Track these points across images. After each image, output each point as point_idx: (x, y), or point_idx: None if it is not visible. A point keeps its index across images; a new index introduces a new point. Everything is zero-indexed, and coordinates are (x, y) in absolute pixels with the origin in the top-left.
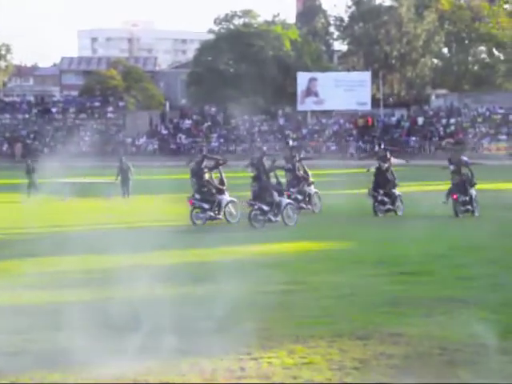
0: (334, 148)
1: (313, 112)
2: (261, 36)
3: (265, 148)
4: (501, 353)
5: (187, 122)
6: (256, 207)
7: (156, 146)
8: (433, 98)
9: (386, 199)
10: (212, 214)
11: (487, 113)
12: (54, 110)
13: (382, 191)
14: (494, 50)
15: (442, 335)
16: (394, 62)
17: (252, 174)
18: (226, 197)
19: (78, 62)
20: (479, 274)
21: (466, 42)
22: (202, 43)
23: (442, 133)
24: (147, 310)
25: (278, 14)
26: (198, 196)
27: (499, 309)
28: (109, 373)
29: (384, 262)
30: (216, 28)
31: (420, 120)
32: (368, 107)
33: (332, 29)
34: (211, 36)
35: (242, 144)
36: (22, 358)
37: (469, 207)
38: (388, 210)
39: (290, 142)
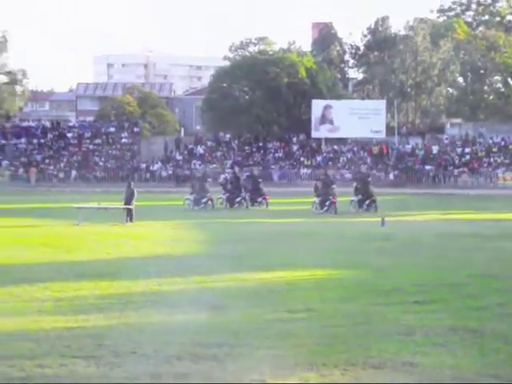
0: (348, 175)
1: (327, 139)
2: (276, 63)
3: None
4: None
5: (201, 148)
6: None
7: (170, 172)
8: (448, 126)
9: None
10: None
11: (502, 142)
12: (69, 135)
13: None
14: (509, 79)
15: (456, 365)
16: (409, 90)
17: None
18: None
19: (93, 87)
20: (492, 304)
21: (482, 71)
22: (217, 70)
23: (457, 162)
24: (158, 336)
25: (294, 42)
26: None
27: None
28: None
29: (397, 290)
30: (231, 55)
31: (435, 149)
32: (382, 135)
33: (347, 57)
34: (226, 63)
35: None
36: None
37: None
38: None
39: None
